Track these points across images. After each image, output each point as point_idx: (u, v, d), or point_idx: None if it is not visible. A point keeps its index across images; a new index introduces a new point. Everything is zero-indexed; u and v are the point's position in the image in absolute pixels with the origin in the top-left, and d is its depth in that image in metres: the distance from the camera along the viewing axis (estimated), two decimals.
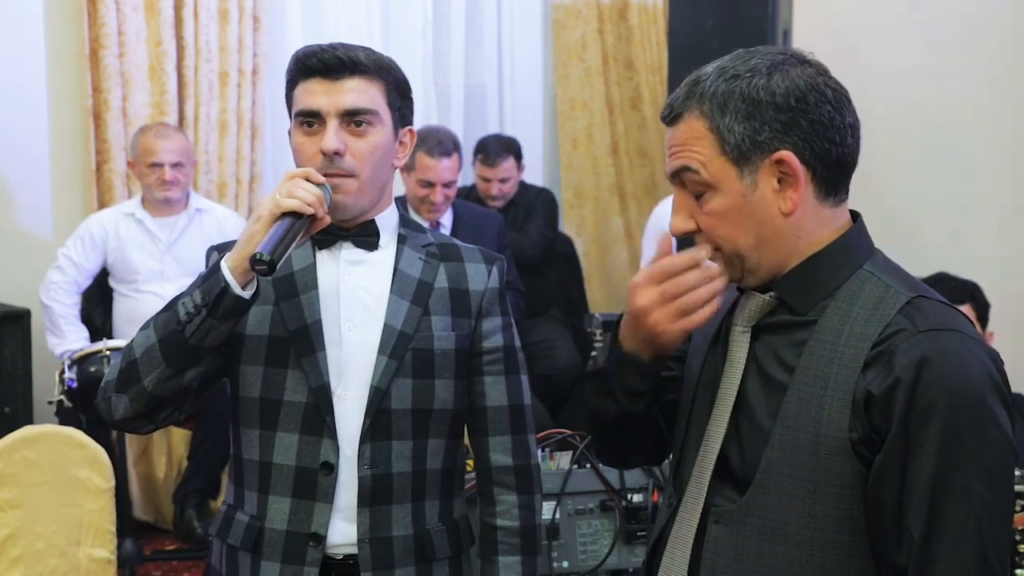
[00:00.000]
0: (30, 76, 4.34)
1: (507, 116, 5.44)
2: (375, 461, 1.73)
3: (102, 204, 4.37)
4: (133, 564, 3.58)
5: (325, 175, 1.69)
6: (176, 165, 4.00)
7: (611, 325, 1.66)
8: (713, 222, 1.38)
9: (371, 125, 1.73)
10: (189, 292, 1.64)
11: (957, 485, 1.26)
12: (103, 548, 2.65)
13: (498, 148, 4.72)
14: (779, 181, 1.36)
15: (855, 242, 1.41)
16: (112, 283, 4.12)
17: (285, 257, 1.58)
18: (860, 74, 5.10)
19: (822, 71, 1.39)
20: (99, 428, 3.41)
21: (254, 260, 1.55)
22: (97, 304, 4.18)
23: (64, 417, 3.63)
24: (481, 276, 1.83)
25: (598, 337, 4.11)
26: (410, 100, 1.82)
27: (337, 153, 1.70)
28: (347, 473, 1.73)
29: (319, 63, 1.72)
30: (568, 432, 2.53)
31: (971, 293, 2.94)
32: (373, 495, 1.73)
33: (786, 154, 1.35)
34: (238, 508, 1.79)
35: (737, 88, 1.36)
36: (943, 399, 1.25)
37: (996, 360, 1.32)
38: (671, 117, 1.41)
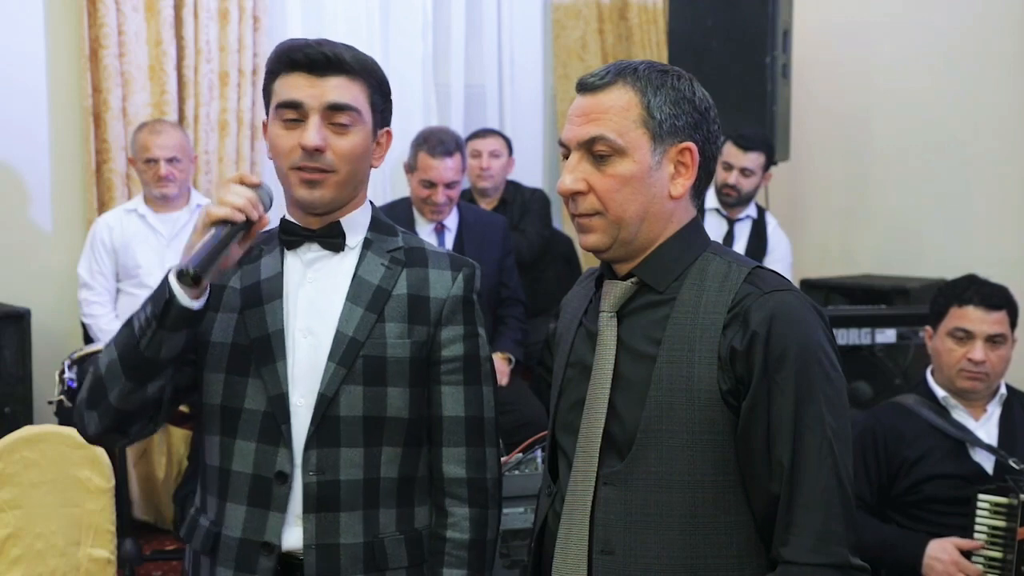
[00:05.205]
0: (30, 76, 4.34)
1: (507, 116, 5.44)
2: (321, 467, 1.70)
3: (102, 204, 4.38)
4: (133, 564, 3.58)
5: (299, 169, 1.69)
6: (172, 160, 3.98)
7: None
8: (614, 185, 1.54)
9: (353, 124, 1.71)
10: (144, 305, 1.64)
11: (811, 417, 1.47)
12: (103, 548, 2.65)
13: (485, 129, 4.85)
14: (675, 167, 1.55)
15: (696, 231, 1.62)
16: (116, 281, 4.13)
17: (214, 267, 1.59)
18: (860, 74, 5.11)
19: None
20: None
21: (180, 274, 1.56)
22: None
23: (64, 417, 3.62)
24: (444, 283, 1.78)
25: None
26: (390, 101, 1.80)
27: (318, 150, 1.68)
28: (298, 480, 1.72)
29: (304, 58, 1.69)
30: None
31: (1007, 298, 2.84)
32: (319, 502, 1.70)
33: (692, 145, 1.56)
34: (201, 513, 1.80)
35: (667, 80, 1.56)
36: (792, 347, 1.48)
37: (822, 313, 1.55)
38: (600, 84, 1.56)
